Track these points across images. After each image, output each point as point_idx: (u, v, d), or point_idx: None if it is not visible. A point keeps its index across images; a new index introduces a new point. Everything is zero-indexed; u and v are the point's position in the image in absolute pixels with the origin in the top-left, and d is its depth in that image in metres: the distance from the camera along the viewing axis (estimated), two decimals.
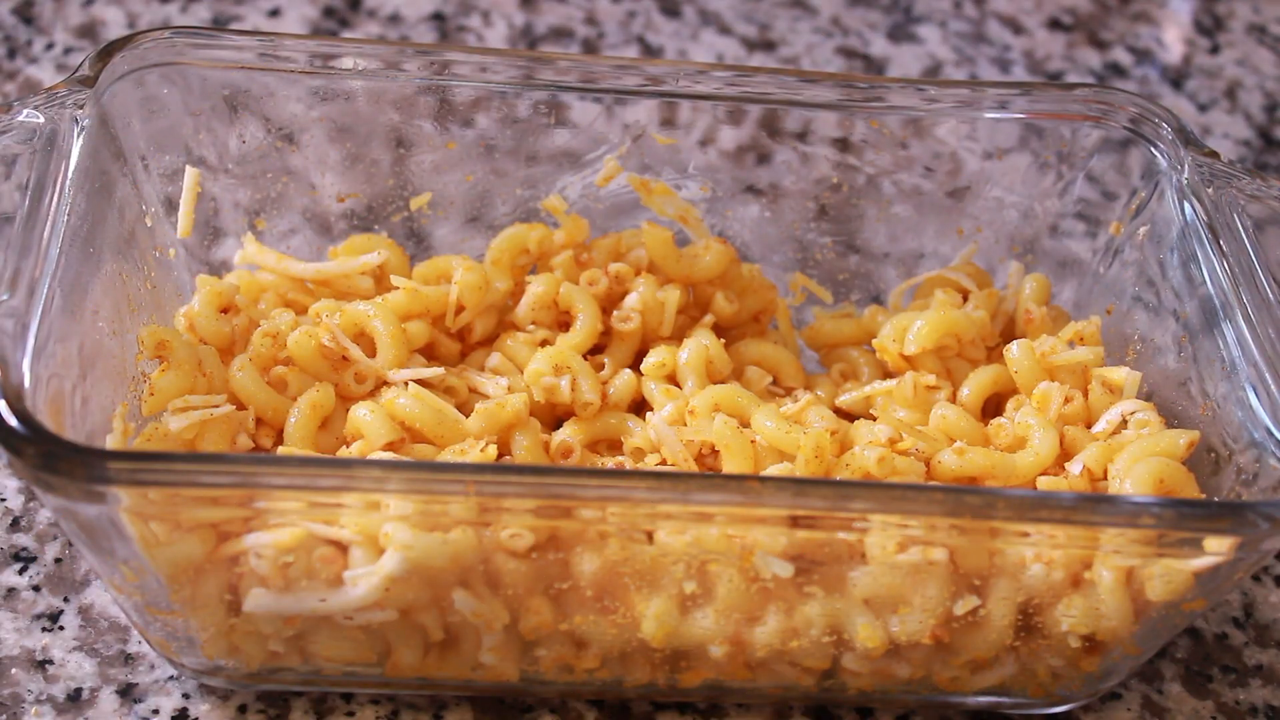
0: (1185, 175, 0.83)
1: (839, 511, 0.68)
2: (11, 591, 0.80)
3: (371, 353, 0.81)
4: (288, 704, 0.77)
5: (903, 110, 0.88)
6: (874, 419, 0.82)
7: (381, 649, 0.74)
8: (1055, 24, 1.25)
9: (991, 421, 0.82)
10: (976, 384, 0.83)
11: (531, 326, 0.85)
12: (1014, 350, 0.83)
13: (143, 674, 0.77)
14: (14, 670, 0.77)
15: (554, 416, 0.84)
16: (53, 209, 0.73)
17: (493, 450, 0.76)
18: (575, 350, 0.83)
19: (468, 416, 0.79)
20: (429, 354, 0.85)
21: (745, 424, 0.79)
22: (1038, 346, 0.83)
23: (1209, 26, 1.27)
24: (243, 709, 0.76)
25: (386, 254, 0.85)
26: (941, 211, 0.91)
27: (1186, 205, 0.82)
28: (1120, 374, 0.82)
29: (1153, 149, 0.86)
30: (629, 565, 0.70)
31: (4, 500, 0.84)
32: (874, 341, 0.85)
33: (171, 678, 0.77)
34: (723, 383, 0.83)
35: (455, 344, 0.86)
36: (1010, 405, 0.82)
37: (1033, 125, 0.89)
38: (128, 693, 0.76)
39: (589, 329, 0.85)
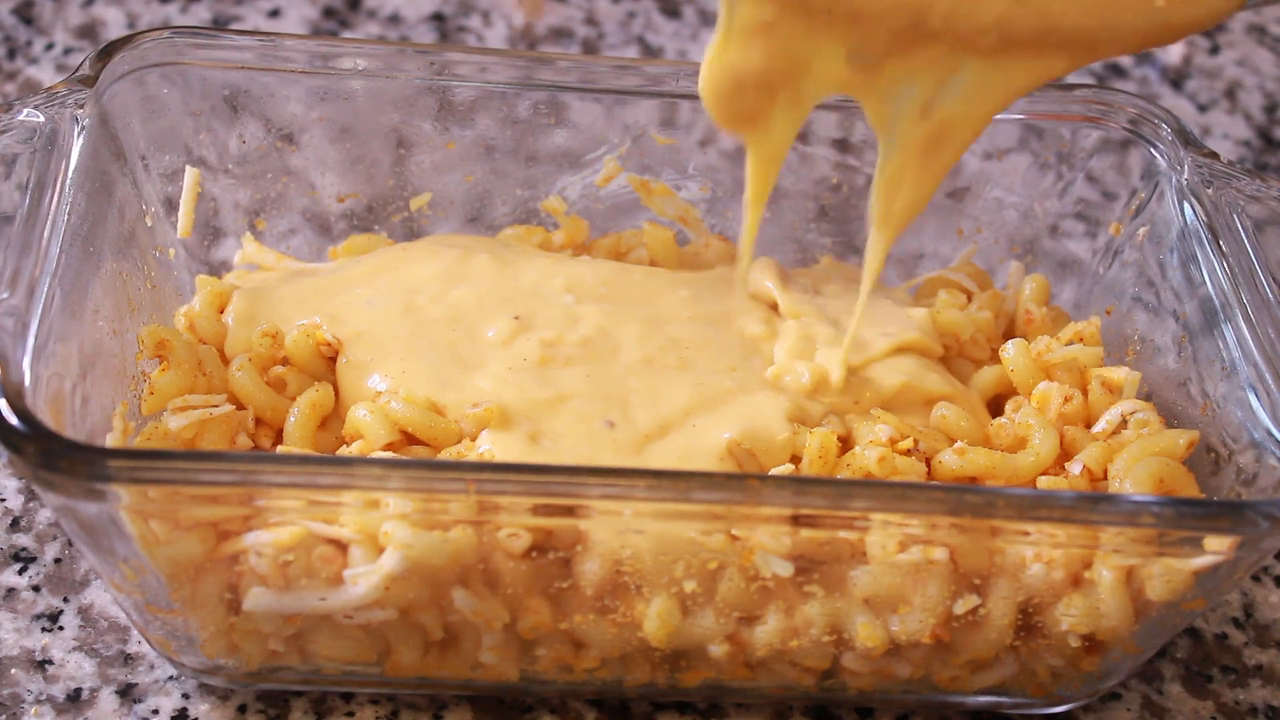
0: (1185, 176, 0.83)
1: (840, 511, 0.68)
2: (11, 591, 0.80)
3: None
4: (288, 704, 0.77)
5: None
6: (874, 419, 0.82)
7: (381, 648, 0.74)
8: None
9: (992, 421, 0.82)
10: (978, 384, 0.83)
11: None
12: (1010, 350, 0.83)
13: (142, 674, 0.77)
14: (14, 670, 0.77)
15: None
16: (53, 209, 0.73)
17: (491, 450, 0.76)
18: None
19: None
20: None
21: None
22: (1034, 346, 0.83)
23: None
24: (242, 709, 0.76)
25: None
26: (941, 212, 0.91)
27: (1186, 206, 0.83)
28: (1120, 374, 0.82)
29: (1152, 149, 0.86)
30: (629, 565, 0.70)
31: (4, 500, 0.84)
32: None
33: (171, 677, 0.77)
34: None
35: None
36: (1010, 405, 0.82)
37: (1032, 126, 0.89)
38: (127, 693, 0.76)
39: None
